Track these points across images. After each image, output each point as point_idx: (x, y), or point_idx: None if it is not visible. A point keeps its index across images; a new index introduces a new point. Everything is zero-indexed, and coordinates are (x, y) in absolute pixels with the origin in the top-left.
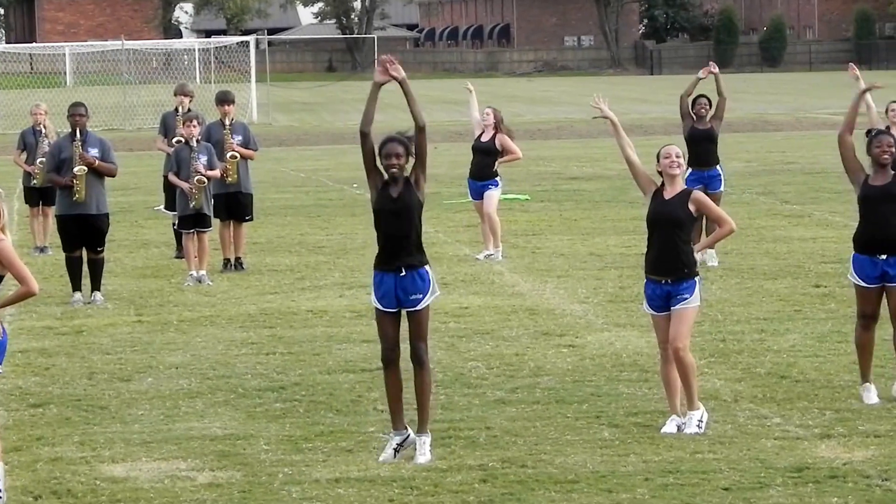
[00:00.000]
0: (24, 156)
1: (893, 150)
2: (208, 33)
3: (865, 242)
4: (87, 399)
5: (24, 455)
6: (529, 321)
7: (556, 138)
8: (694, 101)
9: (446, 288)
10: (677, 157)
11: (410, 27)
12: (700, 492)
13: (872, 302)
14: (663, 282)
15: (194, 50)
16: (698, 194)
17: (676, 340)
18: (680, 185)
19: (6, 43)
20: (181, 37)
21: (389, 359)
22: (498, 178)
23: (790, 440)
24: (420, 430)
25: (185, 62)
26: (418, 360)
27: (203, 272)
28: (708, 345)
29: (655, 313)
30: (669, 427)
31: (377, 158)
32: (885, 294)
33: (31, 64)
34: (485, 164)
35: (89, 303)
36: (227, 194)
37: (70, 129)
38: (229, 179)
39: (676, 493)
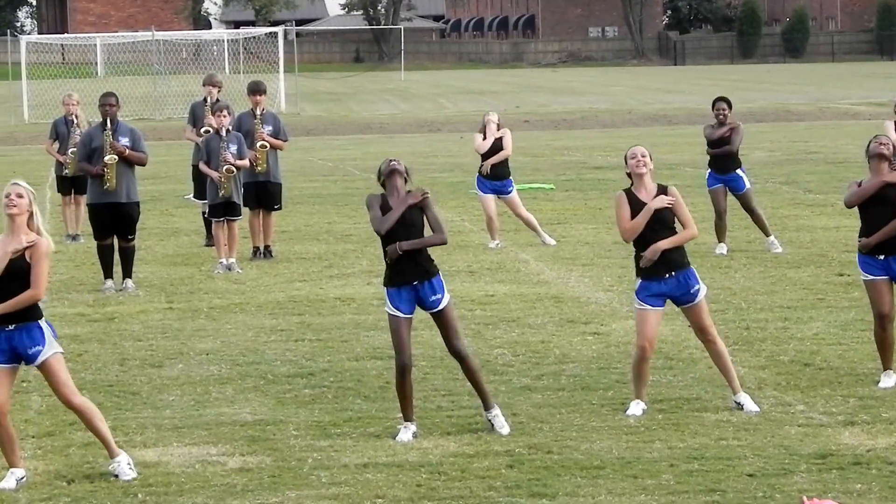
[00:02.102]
0: (56, 145)
1: (890, 147)
2: (237, 24)
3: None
4: (119, 385)
5: (58, 440)
6: (555, 309)
7: (580, 128)
8: (713, 104)
9: (472, 276)
10: (643, 156)
11: (437, 18)
12: (725, 478)
13: (885, 298)
14: (667, 276)
15: (223, 41)
16: (674, 191)
17: (709, 330)
18: (652, 185)
19: (38, 33)
20: (210, 28)
21: (408, 366)
22: (510, 180)
23: (814, 427)
24: (488, 407)
25: (215, 53)
26: (461, 355)
27: (232, 260)
28: (732, 333)
29: (654, 308)
30: (635, 409)
31: (379, 176)
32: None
33: (62, 54)
34: (498, 163)
35: (121, 290)
36: (256, 183)
37: (101, 119)
38: (258, 169)
39: (701, 479)
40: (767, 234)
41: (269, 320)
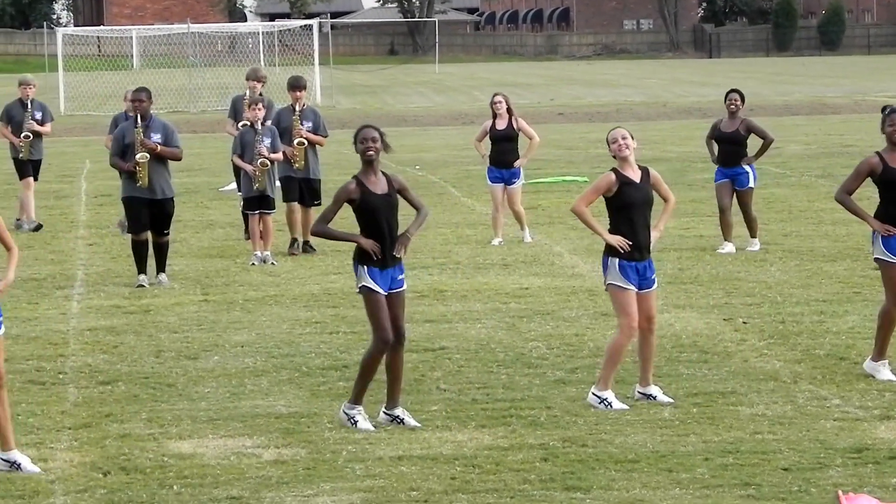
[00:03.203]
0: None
1: None
2: (272, 17)
3: (894, 223)
4: (154, 377)
5: (94, 432)
6: (589, 302)
7: (614, 121)
8: (726, 95)
9: (506, 269)
10: (623, 138)
11: (471, 11)
12: (760, 472)
13: None
14: (639, 259)
15: (258, 33)
16: (654, 172)
17: (654, 320)
18: (636, 165)
19: (74, 26)
20: (246, 20)
21: (389, 343)
22: (520, 169)
23: (850, 421)
24: (398, 403)
25: (250, 45)
26: (404, 337)
27: (267, 252)
28: (767, 326)
29: (637, 290)
30: (618, 402)
31: (354, 146)
32: None
33: (98, 47)
34: (507, 149)
35: (154, 284)
36: (296, 179)
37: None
38: (296, 166)
39: (736, 473)
40: (753, 236)
41: (304, 313)
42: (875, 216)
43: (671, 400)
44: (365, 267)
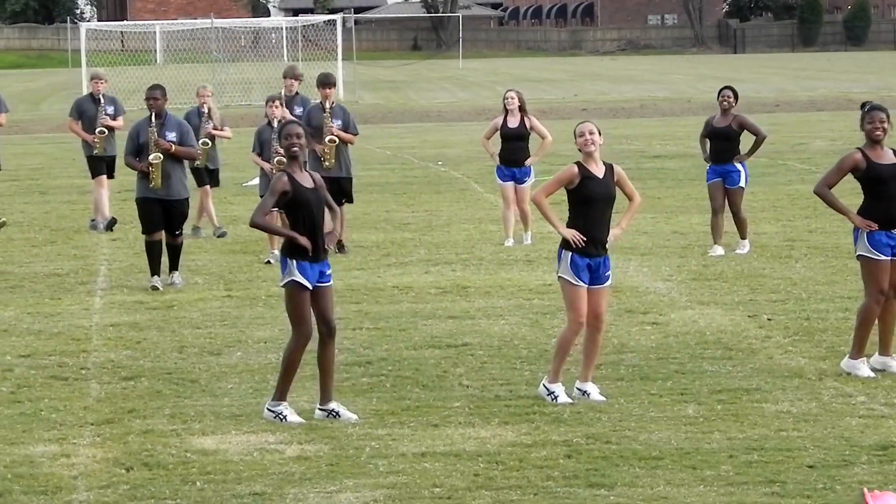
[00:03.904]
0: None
1: (886, 125)
2: (296, 12)
3: (880, 219)
4: (177, 372)
5: (116, 427)
6: (613, 298)
7: (639, 116)
8: (719, 92)
9: (529, 265)
10: (591, 133)
11: (495, 6)
12: (784, 469)
13: (889, 275)
14: (595, 255)
15: (282, 28)
16: (619, 169)
17: (602, 317)
18: (601, 161)
19: (97, 21)
20: (269, 15)
21: (310, 337)
22: (531, 168)
23: (875, 418)
24: (332, 397)
25: (273, 40)
26: (334, 330)
27: None
28: (792, 323)
29: (585, 285)
30: (564, 396)
31: (279, 142)
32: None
33: (122, 41)
34: (518, 148)
35: (169, 284)
36: (329, 179)
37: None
38: (326, 164)
39: (761, 470)
40: (742, 237)
41: None
42: (858, 213)
43: (604, 399)
44: (295, 261)
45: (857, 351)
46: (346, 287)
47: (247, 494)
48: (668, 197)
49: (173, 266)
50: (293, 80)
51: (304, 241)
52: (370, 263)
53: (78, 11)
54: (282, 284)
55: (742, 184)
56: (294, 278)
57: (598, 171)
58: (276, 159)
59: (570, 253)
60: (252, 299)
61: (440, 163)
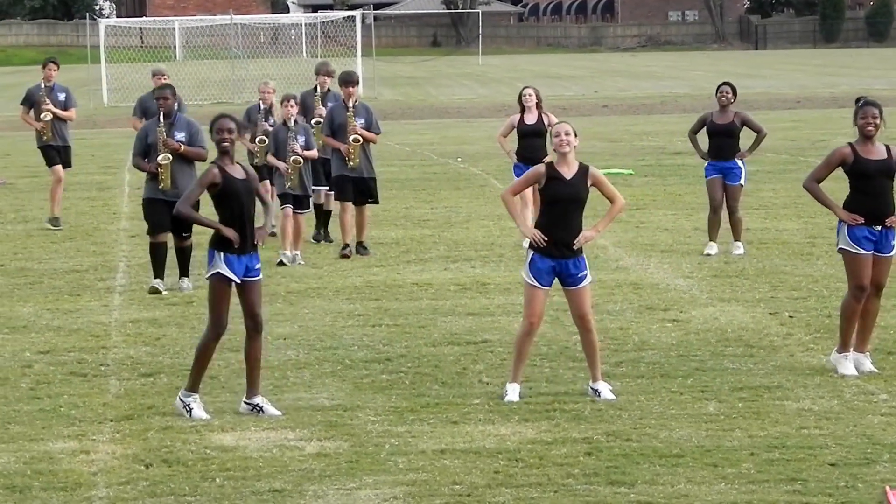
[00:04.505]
0: (246, 134)
1: (878, 121)
2: (315, 8)
3: (865, 214)
4: None
5: (136, 424)
6: (634, 295)
7: (659, 113)
8: (717, 88)
9: None
10: (566, 135)
11: (515, 2)
12: (806, 467)
13: (870, 271)
14: (558, 257)
15: (301, 25)
16: (595, 171)
17: (588, 313)
18: (575, 163)
19: (117, 17)
20: (288, 11)
21: (223, 331)
22: None
23: None
24: (258, 392)
25: (292, 37)
26: (261, 325)
27: (297, 252)
28: (814, 321)
29: (545, 287)
30: (513, 395)
31: (210, 135)
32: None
33: (141, 38)
34: (535, 145)
35: (179, 289)
36: (353, 179)
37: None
38: (350, 164)
39: (782, 468)
40: (737, 239)
41: (347, 305)
42: (844, 206)
43: (615, 397)
44: (222, 253)
45: (842, 345)
46: (366, 283)
47: (266, 491)
48: (689, 193)
49: (183, 272)
50: (325, 77)
51: (229, 232)
52: (389, 260)
53: (97, 7)
54: (206, 276)
55: (742, 181)
56: (219, 270)
57: (569, 172)
58: (291, 158)
59: (533, 252)
60: (271, 295)
61: (459, 159)
